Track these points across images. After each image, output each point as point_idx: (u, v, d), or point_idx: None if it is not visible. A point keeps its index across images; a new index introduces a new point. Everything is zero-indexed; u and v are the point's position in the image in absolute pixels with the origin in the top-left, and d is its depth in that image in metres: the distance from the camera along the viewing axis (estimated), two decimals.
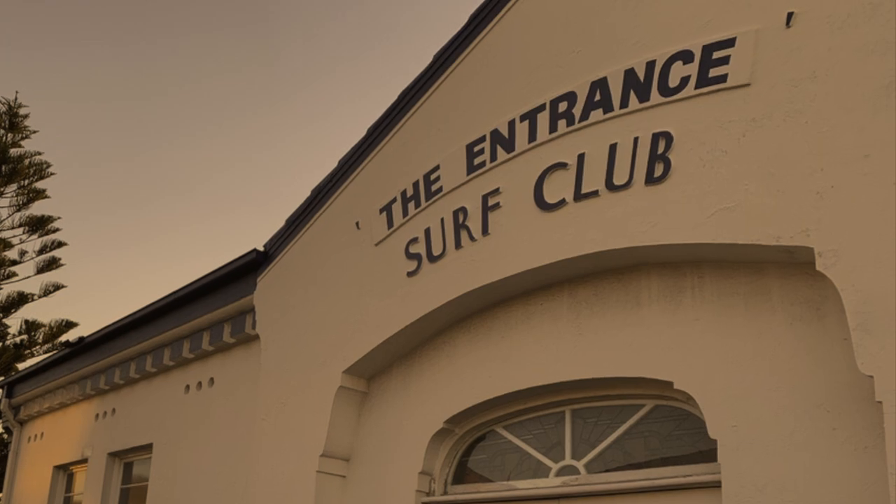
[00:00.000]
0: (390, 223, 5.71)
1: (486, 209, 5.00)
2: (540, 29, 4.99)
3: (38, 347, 19.83)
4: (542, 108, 4.80)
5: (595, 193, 4.45)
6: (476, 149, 5.15)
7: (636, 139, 4.31)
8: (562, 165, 4.65)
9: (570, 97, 4.66)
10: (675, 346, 4.27)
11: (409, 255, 5.51)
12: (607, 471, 4.72)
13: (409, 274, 5.48)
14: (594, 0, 4.73)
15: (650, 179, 4.22)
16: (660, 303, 4.40)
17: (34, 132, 20.84)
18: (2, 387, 11.86)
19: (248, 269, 7.07)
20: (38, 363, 10.88)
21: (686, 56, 4.17)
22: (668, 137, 4.19)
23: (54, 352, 12.85)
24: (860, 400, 3.59)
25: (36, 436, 11.32)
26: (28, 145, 20.50)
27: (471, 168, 5.16)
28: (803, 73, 3.77)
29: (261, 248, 6.94)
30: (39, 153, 20.48)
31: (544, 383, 4.83)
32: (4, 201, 20.61)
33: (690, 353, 4.20)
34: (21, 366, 19.73)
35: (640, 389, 4.57)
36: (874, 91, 3.53)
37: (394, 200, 5.71)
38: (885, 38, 3.54)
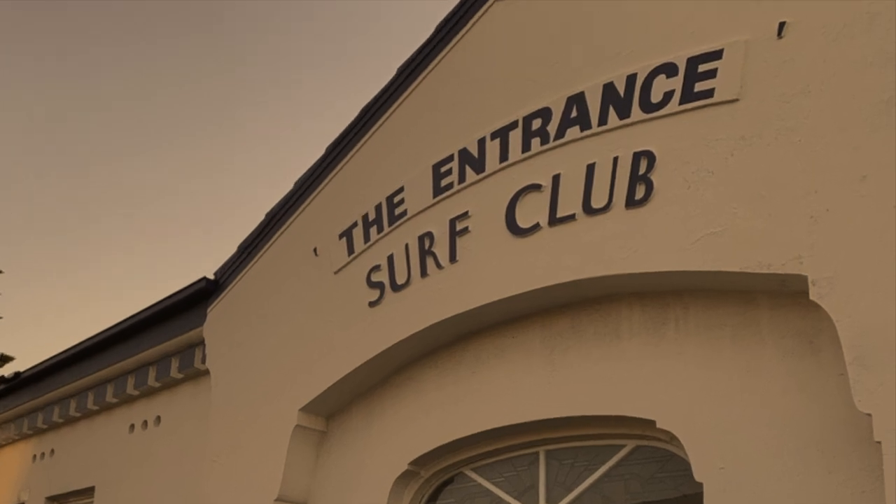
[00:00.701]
0: (350, 249, 5.62)
1: (454, 234, 4.92)
2: (512, 40, 4.96)
3: None
4: (514, 125, 4.75)
5: (571, 217, 4.38)
6: (443, 169, 5.08)
7: (616, 159, 4.25)
8: (536, 187, 4.58)
9: (545, 113, 4.61)
10: (658, 382, 4.18)
11: (371, 284, 5.42)
12: None
13: (371, 304, 5.39)
14: (571, 9, 4.75)
15: (631, 202, 4.15)
16: (641, 335, 4.32)
17: None
18: None
19: (197, 298, 6.98)
20: None
21: (670, 69, 4.13)
22: (650, 157, 4.12)
23: None
24: (857, 440, 3.49)
25: None
26: None
27: (437, 190, 5.09)
28: (796, 87, 3.72)
29: (211, 277, 6.88)
30: None
31: (516, 422, 4.73)
32: None
33: (674, 390, 4.11)
34: None
35: (620, 429, 4.48)
36: (872, 107, 3.47)
37: (354, 225, 5.63)
38: (884, 50, 3.51)
